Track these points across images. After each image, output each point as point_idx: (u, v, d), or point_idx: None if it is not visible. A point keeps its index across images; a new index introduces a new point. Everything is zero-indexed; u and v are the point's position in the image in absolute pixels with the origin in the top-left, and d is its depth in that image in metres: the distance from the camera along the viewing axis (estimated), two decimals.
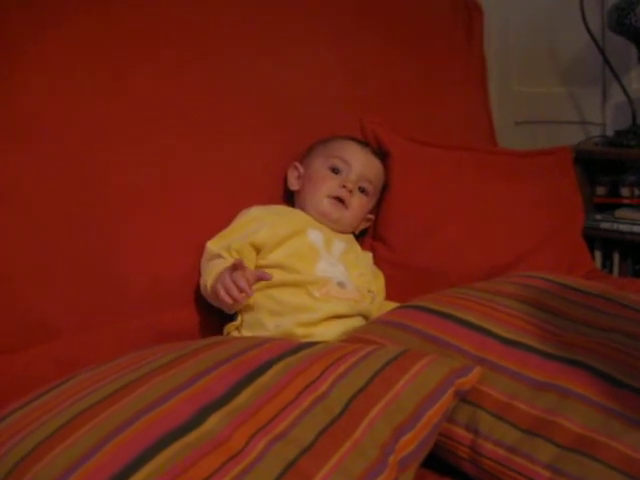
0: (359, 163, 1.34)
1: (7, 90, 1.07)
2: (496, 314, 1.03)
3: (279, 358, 0.86)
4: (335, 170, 1.32)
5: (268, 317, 1.16)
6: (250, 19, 1.39)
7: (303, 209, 1.32)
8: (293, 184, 1.35)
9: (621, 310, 1.06)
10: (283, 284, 1.18)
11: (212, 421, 0.75)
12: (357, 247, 1.36)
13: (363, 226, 1.40)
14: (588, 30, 1.74)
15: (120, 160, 1.16)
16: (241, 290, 1.10)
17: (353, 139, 1.38)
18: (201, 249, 1.21)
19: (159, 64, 1.23)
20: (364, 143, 1.40)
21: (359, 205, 1.33)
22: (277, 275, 1.17)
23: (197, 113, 1.26)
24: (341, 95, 1.48)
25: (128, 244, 1.15)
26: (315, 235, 1.26)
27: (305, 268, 1.21)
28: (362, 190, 1.34)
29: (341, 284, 1.21)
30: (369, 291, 1.28)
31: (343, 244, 1.30)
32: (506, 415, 0.89)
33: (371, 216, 1.40)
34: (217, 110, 1.29)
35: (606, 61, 1.78)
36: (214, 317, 1.20)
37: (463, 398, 0.91)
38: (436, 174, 1.47)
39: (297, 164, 1.36)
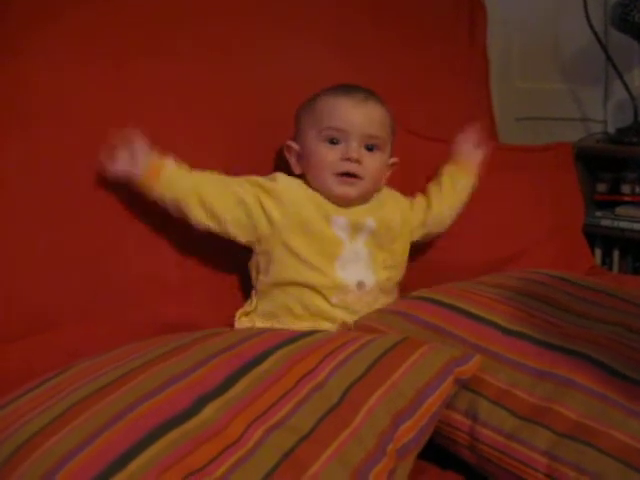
0: (356, 124, 1.13)
1: (8, 83, 1.06)
2: (499, 306, 1.04)
3: (277, 347, 0.86)
4: (332, 141, 1.14)
5: (283, 312, 1.13)
6: (252, 19, 1.38)
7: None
8: (295, 167, 1.18)
9: (623, 305, 1.07)
10: (301, 285, 1.12)
11: (209, 410, 0.75)
12: (389, 207, 1.20)
13: (389, 173, 1.22)
14: (591, 27, 1.73)
15: None
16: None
17: (341, 91, 1.16)
18: (202, 238, 1.19)
19: (158, 55, 1.22)
20: (354, 91, 1.16)
21: (373, 167, 1.15)
22: (295, 268, 1.12)
23: (196, 104, 1.25)
24: None
25: (129, 235, 1.14)
26: (340, 223, 1.13)
27: (324, 265, 1.12)
28: (370, 148, 1.15)
29: (360, 284, 1.14)
30: (388, 279, 1.18)
31: (374, 222, 1.16)
32: (505, 402, 0.89)
33: (394, 159, 1.22)
34: (214, 105, 1.28)
35: (608, 58, 1.78)
36: (218, 308, 1.19)
37: (463, 386, 0.91)
38: (437, 168, 1.46)
39: (290, 142, 1.18)
